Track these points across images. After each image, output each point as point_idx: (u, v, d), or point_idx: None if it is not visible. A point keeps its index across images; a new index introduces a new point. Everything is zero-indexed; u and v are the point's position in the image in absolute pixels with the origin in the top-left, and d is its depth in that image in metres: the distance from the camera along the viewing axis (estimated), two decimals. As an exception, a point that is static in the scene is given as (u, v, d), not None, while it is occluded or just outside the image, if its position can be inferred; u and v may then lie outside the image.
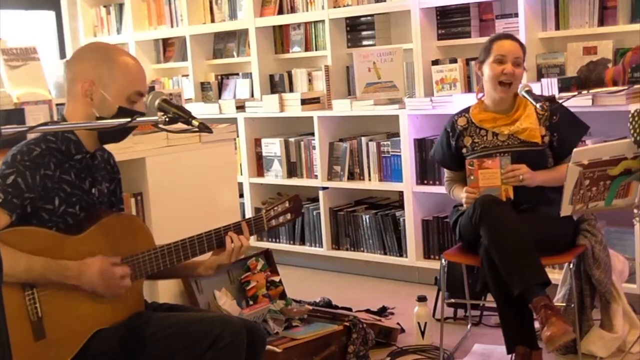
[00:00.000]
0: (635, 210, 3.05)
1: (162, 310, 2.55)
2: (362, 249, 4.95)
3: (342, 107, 4.90)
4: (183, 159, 3.37)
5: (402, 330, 3.85)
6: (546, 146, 3.43)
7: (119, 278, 2.32)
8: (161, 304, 2.64)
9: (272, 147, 5.31)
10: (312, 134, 5.09)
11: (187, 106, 4.14)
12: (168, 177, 3.30)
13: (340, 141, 5.03)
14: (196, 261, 2.53)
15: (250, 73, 5.57)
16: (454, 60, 4.59)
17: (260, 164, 5.42)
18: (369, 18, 5.01)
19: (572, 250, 3.33)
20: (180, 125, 2.32)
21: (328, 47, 5.09)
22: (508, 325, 3.22)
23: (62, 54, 6.45)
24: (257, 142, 5.41)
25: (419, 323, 3.70)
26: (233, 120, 5.22)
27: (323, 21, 5.11)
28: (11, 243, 2.20)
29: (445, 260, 3.47)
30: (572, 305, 3.34)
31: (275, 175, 5.31)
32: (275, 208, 2.61)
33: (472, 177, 3.34)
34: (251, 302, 3.47)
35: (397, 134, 4.69)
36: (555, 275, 3.73)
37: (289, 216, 2.64)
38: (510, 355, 3.23)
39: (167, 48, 6.23)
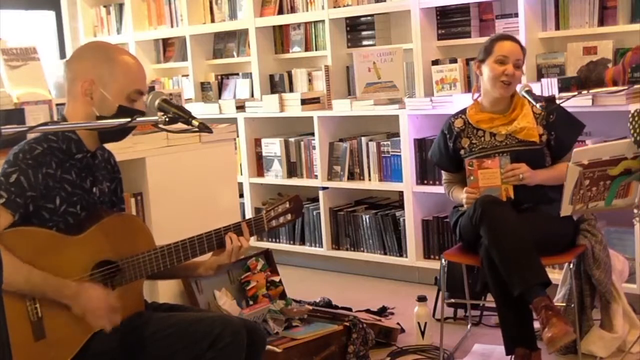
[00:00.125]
0: (635, 210, 3.06)
1: (162, 310, 2.55)
2: (362, 249, 4.95)
3: (342, 107, 4.90)
4: (183, 159, 3.37)
5: (402, 330, 3.85)
6: (544, 145, 3.43)
7: (110, 311, 2.30)
8: (161, 304, 2.64)
9: (272, 147, 5.31)
10: (312, 134, 5.09)
11: (187, 106, 4.14)
12: (168, 177, 3.30)
13: (340, 141, 5.03)
14: (196, 261, 2.53)
15: (250, 73, 5.57)
16: (454, 60, 4.59)
17: (260, 164, 5.42)
18: (369, 18, 5.01)
19: (572, 250, 3.33)
20: (180, 125, 2.32)
21: (328, 47, 5.09)
22: (508, 325, 3.22)
23: (62, 54, 6.45)
24: (257, 142, 5.41)
25: (419, 323, 3.70)
26: (233, 120, 5.22)
27: (323, 21, 5.11)
28: (12, 243, 2.20)
29: (445, 260, 3.47)
30: (572, 305, 3.34)
31: (275, 175, 5.31)
32: (276, 208, 2.61)
33: (472, 178, 3.34)
34: (251, 302, 3.47)
35: (397, 134, 4.69)
36: (555, 275, 3.73)
37: (289, 217, 2.63)
38: (510, 356, 3.23)
39: (167, 48, 6.23)
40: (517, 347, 3.17)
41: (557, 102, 3.38)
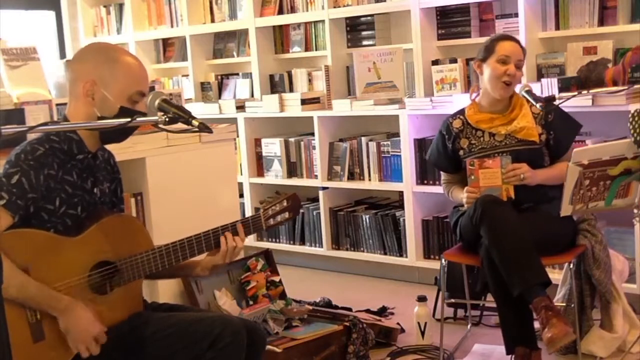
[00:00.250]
0: (635, 210, 3.06)
1: (162, 310, 2.55)
2: (362, 249, 4.95)
3: (342, 107, 4.90)
4: (183, 159, 3.37)
5: (402, 330, 3.85)
6: (543, 144, 3.43)
7: (92, 339, 2.28)
8: (161, 304, 2.64)
9: (272, 147, 5.31)
10: (312, 134, 5.09)
11: (187, 106, 4.14)
12: (168, 177, 3.30)
13: (340, 141, 5.03)
14: (194, 261, 2.52)
15: (250, 73, 5.57)
16: (454, 60, 4.59)
17: (260, 164, 5.42)
18: (369, 18, 5.01)
19: (572, 250, 3.33)
20: (180, 125, 2.32)
21: (328, 47, 5.09)
22: (508, 325, 3.22)
23: (62, 54, 6.45)
24: (257, 142, 5.41)
25: (419, 323, 3.70)
26: (233, 120, 5.22)
27: (323, 21, 5.11)
28: (10, 245, 2.20)
29: (445, 260, 3.47)
30: (572, 305, 3.34)
31: (275, 175, 5.31)
32: (273, 207, 2.59)
33: (472, 177, 3.34)
34: (251, 302, 3.47)
35: (397, 134, 4.69)
36: (555, 275, 3.72)
37: (287, 215, 2.62)
38: (510, 356, 3.23)
39: (167, 48, 6.23)
40: (518, 346, 3.17)
41: (557, 102, 3.38)
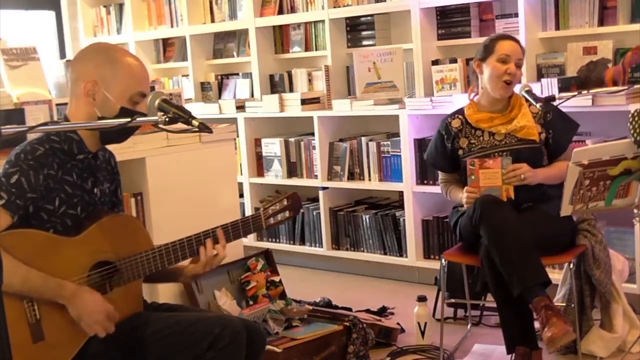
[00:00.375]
0: (635, 210, 3.06)
1: (161, 310, 2.54)
2: (362, 249, 4.95)
3: (342, 107, 4.90)
4: (183, 159, 3.37)
5: (402, 330, 3.85)
6: (542, 143, 3.43)
7: (105, 317, 2.29)
8: (161, 304, 2.64)
9: (272, 147, 5.31)
10: (312, 134, 5.09)
11: (187, 106, 4.14)
12: (168, 177, 3.30)
13: (340, 141, 5.03)
14: (178, 268, 2.51)
15: (250, 73, 5.57)
16: (454, 60, 4.59)
17: (260, 164, 5.42)
18: (369, 18, 5.01)
19: (572, 250, 3.33)
20: (180, 125, 2.32)
21: (328, 47, 5.09)
22: (508, 325, 3.22)
23: (62, 54, 6.45)
24: (257, 142, 5.41)
25: (419, 323, 3.70)
26: (233, 120, 5.22)
27: (323, 21, 5.11)
28: (10, 246, 2.20)
29: (445, 260, 3.47)
30: (572, 305, 3.34)
31: (275, 175, 5.31)
32: (274, 206, 2.59)
33: (472, 177, 3.34)
34: (251, 302, 3.47)
35: (397, 134, 4.69)
36: (555, 275, 3.72)
37: (287, 214, 2.62)
38: (510, 355, 3.23)
39: (167, 48, 6.23)
40: (518, 346, 3.17)
41: (557, 102, 3.38)
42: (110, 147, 2.59)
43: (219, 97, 5.79)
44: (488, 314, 3.93)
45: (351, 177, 4.99)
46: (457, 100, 4.25)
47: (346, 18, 5.09)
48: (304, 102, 5.05)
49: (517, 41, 3.50)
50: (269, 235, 5.36)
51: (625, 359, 3.39)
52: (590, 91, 3.84)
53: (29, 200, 2.27)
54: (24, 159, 2.29)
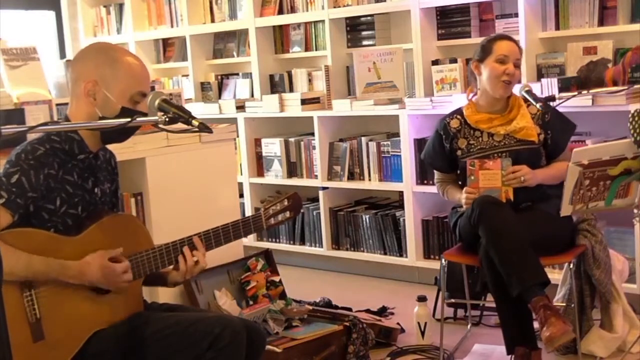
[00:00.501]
0: (635, 210, 3.06)
1: (161, 310, 2.54)
2: (362, 249, 4.95)
3: (342, 107, 4.90)
4: (183, 159, 3.37)
5: (402, 330, 3.85)
6: (541, 144, 3.43)
7: (120, 274, 2.32)
8: (161, 304, 2.64)
9: (272, 147, 5.31)
10: (312, 134, 5.09)
11: (187, 106, 4.14)
12: (168, 177, 3.30)
13: (340, 141, 5.03)
14: (164, 275, 2.52)
15: (250, 73, 5.57)
16: (454, 60, 4.59)
17: (260, 164, 5.42)
18: (369, 18, 5.01)
19: (572, 250, 3.33)
20: (180, 125, 2.32)
21: (328, 47, 5.09)
22: (508, 325, 3.22)
23: (62, 54, 6.45)
24: (257, 142, 5.41)
25: (419, 323, 3.70)
26: (233, 120, 5.22)
27: (323, 21, 5.11)
28: (10, 244, 2.20)
29: (445, 260, 3.47)
30: (572, 305, 3.34)
31: (275, 175, 5.31)
32: (274, 206, 2.59)
33: (472, 177, 3.34)
34: (251, 302, 3.47)
35: (397, 134, 4.69)
36: (555, 275, 3.73)
37: (288, 214, 2.62)
38: (510, 356, 3.23)
39: (167, 48, 6.23)
40: (518, 346, 3.18)
41: (557, 102, 3.38)
42: (110, 147, 2.59)
43: (219, 97, 5.79)
44: (488, 314, 3.93)
45: (351, 177, 4.99)
46: (457, 100, 4.25)
47: (346, 18, 5.09)
48: (304, 102, 5.05)
49: (515, 41, 3.50)
50: (269, 235, 5.36)
51: (625, 359, 3.39)
52: (590, 91, 3.84)
53: (29, 199, 2.27)
54: (24, 158, 2.30)
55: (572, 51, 4.26)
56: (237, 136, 5.27)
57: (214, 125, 3.40)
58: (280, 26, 5.45)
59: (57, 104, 3.27)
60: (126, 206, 3.13)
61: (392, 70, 4.73)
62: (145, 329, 2.36)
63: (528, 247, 3.09)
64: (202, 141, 3.43)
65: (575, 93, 3.71)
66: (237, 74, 5.82)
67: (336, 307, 4.03)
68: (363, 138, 4.91)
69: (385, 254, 4.84)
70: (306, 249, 5.20)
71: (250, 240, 5.19)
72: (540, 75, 4.31)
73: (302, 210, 4.93)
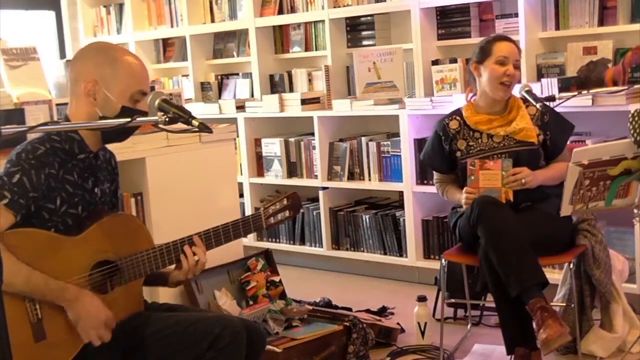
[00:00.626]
0: (635, 210, 3.06)
1: (162, 310, 2.54)
2: (362, 249, 4.95)
3: (342, 107, 4.90)
4: (183, 159, 3.37)
5: (402, 330, 3.85)
6: (540, 145, 3.43)
7: (102, 324, 2.28)
8: (161, 304, 2.64)
9: (272, 147, 5.31)
10: (312, 134, 5.09)
11: (187, 106, 4.14)
12: (168, 177, 3.30)
13: (340, 141, 5.03)
14: (164, 275, 2.51)
15: (250, 73, 5.57)
16: (454, 60, 4.59)
17: (260, 164, 5.42)
18: (369, 18, 5.01)
19: (572, 250, 3.33)
20: (180, 125, 2.32)
21: (328, 47, 5.09)
22: (507, 325, 3.22)
23: (62, 54, 6.45)
24: (257, 142, 5.41)
25: (419, 323, 3.70)
26: (233, 120, 5.22)
27: (323, 21, 5.11)
28: (12, 245, 2.20)
29: (445, 260, 3.47)
30: (572, 305, 3.34)
31: (275, 175, 5.32)
32: (274, 206, 2.60)
33: (472, 178, 3.34)
34: (251, 302, 3.47)
35: (397, 134, 4.69)
36: (555, 275, 3.73)
37: (287, 213, 2.62)
38: (510, 356, 3.23)
39: (167, 48, 6.23)
40: (517, 346, 3.17)
41: (557, 102, 3.38)
42: (110, 146, 2.59)
43: (219, 97, 5.79)
44: (488, 314, 3.93)
45: (351, 177, 4.99)
46: (457, 100, 4.25)
47: (346, 18, 5.09)
48: (304, 102, 5.05)
49: (514, 41, 3.49)
50: (269, 235, 5.36)
51: (625, 359, 3.39)
52: (590, 91, 3.84)
53: (31, 199, 2.27)
54: (25, 158, 2.29)
55: (572, 51, 4.26)
56: (237, 136, 5.27)
57: (214, 125, 3.40)
58: (280, 26, 5.45)
59: (57, 104, 3.27)
60: (126, 206, 3.13)
61: (392, 70, 4.73)
62: (145, 329, 2.36)
63: (527, 247, 3.09)
64: (202, 141, 3.43)
65: (575, 93, 3.71)
66: (237, 74, 5.82)
67: (336, 307, 4.03)
68: (363, 138, 4.92)
69: (385, 254, 4.84)
70: (306, 249, 5.20)
71: (250, 240, 5.19)
72: (540, 75, 4.31)
73: (302, 210, 4.97)
